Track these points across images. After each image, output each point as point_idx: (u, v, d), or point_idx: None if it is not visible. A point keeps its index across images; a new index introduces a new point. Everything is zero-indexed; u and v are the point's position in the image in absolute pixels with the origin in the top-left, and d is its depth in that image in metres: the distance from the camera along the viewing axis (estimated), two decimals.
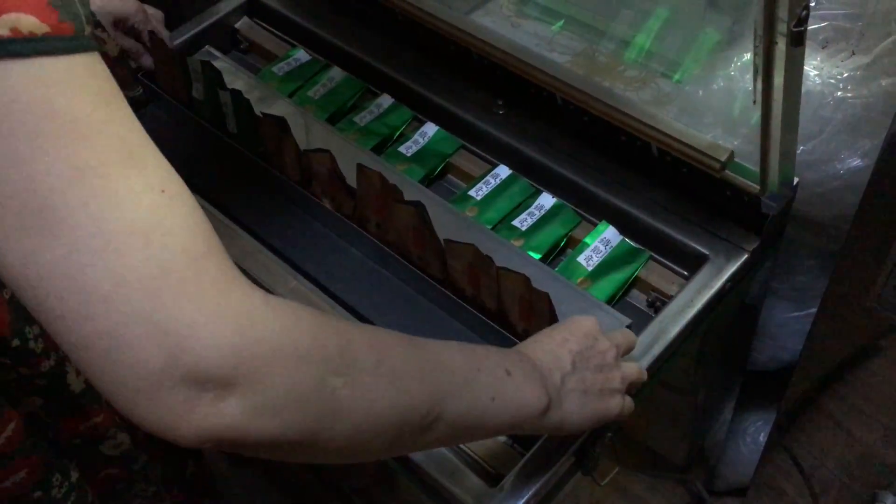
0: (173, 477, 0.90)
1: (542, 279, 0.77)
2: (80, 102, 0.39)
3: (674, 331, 0.73)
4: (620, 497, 1.05)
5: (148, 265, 0.38)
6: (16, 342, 0.61)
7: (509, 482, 0.65)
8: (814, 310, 0.98)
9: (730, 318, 0.89)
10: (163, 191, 0.40)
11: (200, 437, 0.40)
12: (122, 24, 0.94)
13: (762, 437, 1.21)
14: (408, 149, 0.90)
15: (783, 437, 1.08)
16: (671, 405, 0.98)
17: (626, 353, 0.64)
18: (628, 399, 0.62)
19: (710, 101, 0.77)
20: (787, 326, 1.06)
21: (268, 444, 0.42)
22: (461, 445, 0.68)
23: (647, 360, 0.71)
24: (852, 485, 1.02)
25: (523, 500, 0.64)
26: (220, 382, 0.39)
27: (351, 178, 0.80)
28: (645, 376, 0.65)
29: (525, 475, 0.65)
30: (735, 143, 0.75)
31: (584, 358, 0.58)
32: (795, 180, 0.75)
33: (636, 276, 0.79)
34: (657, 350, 0.72)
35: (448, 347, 0.51)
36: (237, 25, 1.08)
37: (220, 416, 0.40)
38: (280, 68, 1.01)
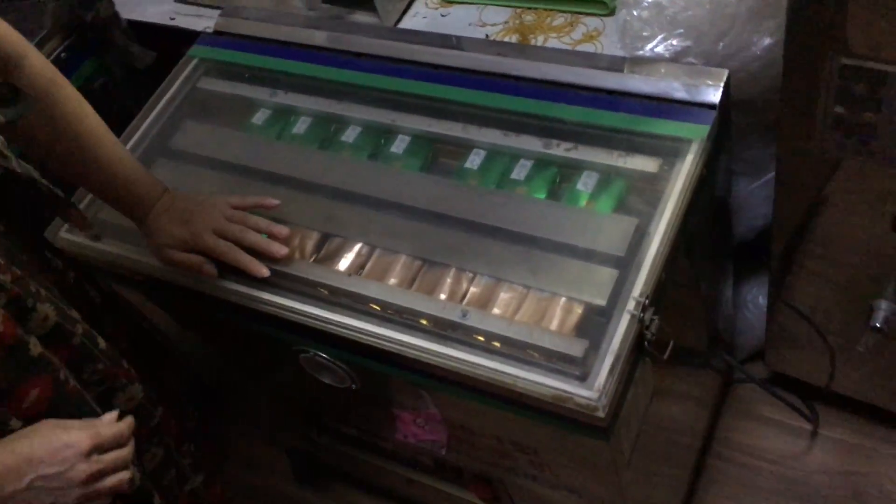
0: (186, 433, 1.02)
1: (554, 212, 0.90)
2: None
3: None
4: (654, 392, 1.17)
5: None
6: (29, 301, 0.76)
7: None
8: (770, 175, 1.13)
9: (707, 208, 1.03)
10: None
11: None
12: None
13: (762, 301, 1.36)
14: (398, 146, 1.01)
15: (780, 294, 1.22)
16: (683, 301, 1.11)
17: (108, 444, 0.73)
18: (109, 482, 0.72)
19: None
20: (752, 196, 1.21)
21: None
22: None
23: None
24: (849, 309, 1.16)
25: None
26: None
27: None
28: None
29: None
30: None
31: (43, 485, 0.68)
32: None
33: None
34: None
35: None
36: None
37: None
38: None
